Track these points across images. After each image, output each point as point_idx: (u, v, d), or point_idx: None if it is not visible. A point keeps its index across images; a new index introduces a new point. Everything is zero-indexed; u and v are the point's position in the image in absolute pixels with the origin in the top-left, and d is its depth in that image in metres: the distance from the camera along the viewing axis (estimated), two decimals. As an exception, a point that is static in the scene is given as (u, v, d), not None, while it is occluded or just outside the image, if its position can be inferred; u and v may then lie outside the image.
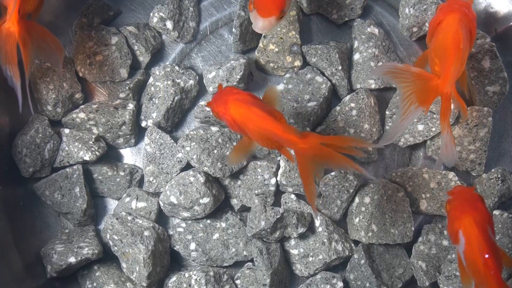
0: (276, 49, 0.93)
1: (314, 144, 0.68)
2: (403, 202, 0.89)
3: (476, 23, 0.79)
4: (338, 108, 0.92)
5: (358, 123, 0.91)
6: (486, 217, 0.71)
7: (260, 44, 0.94)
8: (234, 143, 0.89)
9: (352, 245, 0.89)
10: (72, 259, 0.85)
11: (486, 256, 0.68)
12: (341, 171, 0.88)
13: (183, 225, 0.90)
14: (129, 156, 0.96)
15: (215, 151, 0.88)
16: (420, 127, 0.91)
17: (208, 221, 0.90)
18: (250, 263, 0.89)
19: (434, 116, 0.90)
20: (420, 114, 0.76)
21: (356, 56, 0.95)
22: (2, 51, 0.77)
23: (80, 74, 0.93)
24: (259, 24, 0.77)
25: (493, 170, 0.90)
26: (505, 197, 0.91)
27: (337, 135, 0.77)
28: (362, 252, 0.87)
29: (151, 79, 0.93)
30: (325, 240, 0.88)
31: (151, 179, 0.91)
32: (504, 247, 0.87)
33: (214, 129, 0.90)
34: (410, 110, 0.74)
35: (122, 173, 0.92)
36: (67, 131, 0.91)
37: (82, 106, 0.92)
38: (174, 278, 0.87)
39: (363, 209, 0.89)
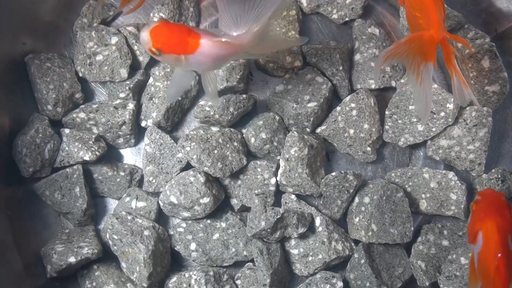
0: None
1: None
2: (402, 202, 0.89)
3: None
4: (338, 108, 0.92)
5: (358, 123, 0.91)
6: (509, 225, 0.71)
7: None
8: (235, 143, 0.89)
9: (352, 244, 0.89)
10: (72, 259, 0.85)
11: (499, 255, 0.68)
12: (341, 171, 0.88)
13: (183, 225, 0.90)
14: (129, 156, 0.96)
15: (215, 151, 0.88)
16: (420, 127, 0.91)
17: (208, 221, 0.90)
18: (250, 263, 0.89)
19: (434, 116, 0.90)
20: (432, 71, 0.75)
21: (357, 57, 0.95)
22: None
23: (80, 74, 0.93)
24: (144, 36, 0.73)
25: (493, 170, 0.90)
26: (505, 197, 0.90)
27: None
28: (362, 252, 0.87)
29: (151, 79, 0.94)
30: (325, 240, 0.88)
31: (150, 179, 0.91)
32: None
33: (214, 129, 0.90)
34: (421, 71, 0.73)
35: (122, 173, 0.92)
36: (67, 131, 0.91)
37: (82, 106, 0.92)
38: (174, 279, 0.87)
39: (362, 208, 0.89)
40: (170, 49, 0.73)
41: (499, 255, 0.68)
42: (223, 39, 0.72)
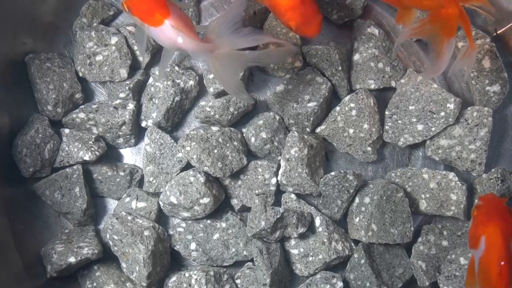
0: (276, 49, 0.93)
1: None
2: (402, 202, 0.89)
3: None
4: (338, 108, 0.92)
5: (357, 123, 0.91)
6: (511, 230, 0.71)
7: (261, 45, 0.94)
8: (235, 143, 0.89)
9: (352, 244, 0.89)
10: (72, 259, 0.85)
11: (502, 263, 0.67)
12: (341, 171, 0.88)
13: (183, 225, 0.90)
14: (129, 156, 0.96)
15: (215, 151, 0.88)
16: (420, 127, 0.91)
17: (208, 221, 0.90)
18: (250, 263, 0.89)
19: (434, 116, 0.90)
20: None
21: (356, 57, 0.95)
22: None
23: (80, 74, 0.93)
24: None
25: (493, 170, 0.90)
26: (505, 196, 0.90)
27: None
28: (363, 252, 0.87)
29: (150, 79, 0.94)
30: (325, 240, 0.88)
31: (151, 179, 0.91)
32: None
33: (214, 129, 0.90)
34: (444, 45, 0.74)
35: (122, 173, 0.92)
36: (67, 131, 0.91)
37: (82, 106, 0.92)
38: (174, 278, 0.87)
39: (363, 209, 0.89)
40: (137, 13, 0.75)
41: (502, 263, 0.67)
42: (182, 36, 0.72)
